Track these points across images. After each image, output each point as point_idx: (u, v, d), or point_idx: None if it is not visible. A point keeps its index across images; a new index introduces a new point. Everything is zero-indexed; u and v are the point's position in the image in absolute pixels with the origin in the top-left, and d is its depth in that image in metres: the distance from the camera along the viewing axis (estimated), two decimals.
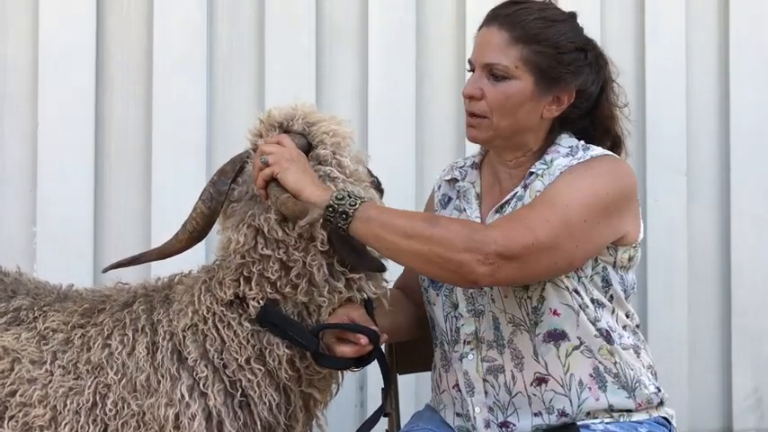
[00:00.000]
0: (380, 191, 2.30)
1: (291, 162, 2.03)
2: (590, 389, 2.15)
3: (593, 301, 2.17)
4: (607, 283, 2.19)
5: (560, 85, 2.20)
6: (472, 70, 2.25)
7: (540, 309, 2.14)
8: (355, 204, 2.00)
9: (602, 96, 2.29)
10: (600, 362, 2.16)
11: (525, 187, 2.21)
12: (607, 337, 2.17)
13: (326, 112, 2.18)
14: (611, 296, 2.20)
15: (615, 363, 2.17)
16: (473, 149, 2.47)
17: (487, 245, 1.97)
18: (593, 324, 2.16)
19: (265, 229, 2.05)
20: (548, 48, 2.18)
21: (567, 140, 2.26)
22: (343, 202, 2.00)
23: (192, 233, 2.12)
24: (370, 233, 2.01)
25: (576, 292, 2.15)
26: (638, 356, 2.22)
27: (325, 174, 2.07)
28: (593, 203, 2.09)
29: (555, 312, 2.14)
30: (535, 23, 2.19)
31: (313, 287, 2.07)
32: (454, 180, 2.40)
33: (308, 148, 2.10)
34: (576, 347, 2.15)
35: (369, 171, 2.26)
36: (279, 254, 2.05)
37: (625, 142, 2.36)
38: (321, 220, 2.01)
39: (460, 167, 2.42)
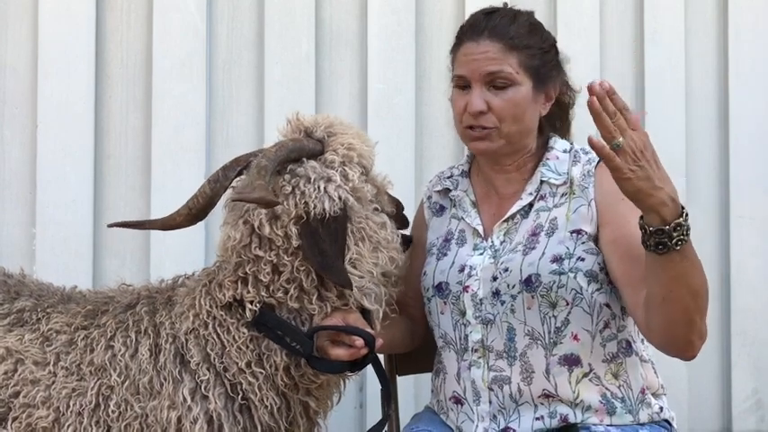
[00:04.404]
0: (405, 224, 2.33)
1: (638, 168, 1.83)
2: (597, 411, 2.16)
3: (623, 309, 2.19)
4: None
5: (549, 83, 2.28)
6: (463, 86, 2.26)
7: (563, 331, 2.15)
8: (680, 245, 1.86)
9: (564, 86, 2.36)
10: (606, 388, 2.17)
11: (542, 198, 2.24)
12: (624, 350, 2.19)
13: (354, 128, 2.19)
14: None
15: (619, 386, 2.18)
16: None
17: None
18: (604, 347, 2.17)
19: (256, 225, 2.05)
20: (535, 50, 2.25)
21: (559, 143, 2.31)
22: (675, 235, 1.85)
23: (191, 210, 2.07)
24: (670, 271, 1.90)
25: (608, 306, 2.17)
26: (655, 374, 2.26)
27: (326, 176, 2.06)
28: None
29: (575, 337, 2.15)
30: (519, 29, 2.25)
31: (303, 294, 2.07)
32: (446, 190, 2.42)
33: (318, 154, 2.11)
34: (586, 374, 2.16)
35: (398, 202, 2.28)
36: (270, 256, 2.06)
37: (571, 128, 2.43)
38: (642, 235, 1.89)
39: (449, 177, 2.44)
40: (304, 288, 2.07)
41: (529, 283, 2.15)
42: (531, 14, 2.33)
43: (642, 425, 2.19)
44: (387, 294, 2.18)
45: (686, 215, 1.87)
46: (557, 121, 2.38)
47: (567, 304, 2.14)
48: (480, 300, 2.21)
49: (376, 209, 2.16)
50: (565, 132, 2.40)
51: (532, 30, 2.28)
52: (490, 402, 2.21)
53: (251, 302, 2.07)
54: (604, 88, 1.82)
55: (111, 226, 2.19)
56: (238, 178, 2.12)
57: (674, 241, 1.85)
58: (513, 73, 2.21)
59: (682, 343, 2.01)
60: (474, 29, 2.27)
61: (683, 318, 1.96)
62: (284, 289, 2.07)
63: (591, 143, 1.83)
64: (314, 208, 2.03)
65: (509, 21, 2.26)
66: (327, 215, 2.04)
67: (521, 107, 2.22)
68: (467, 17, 3.23)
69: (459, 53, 2.28)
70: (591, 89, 1.82)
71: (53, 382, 2.09)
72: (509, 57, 2.21)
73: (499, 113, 2.21)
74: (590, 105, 1.82)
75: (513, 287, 2.16)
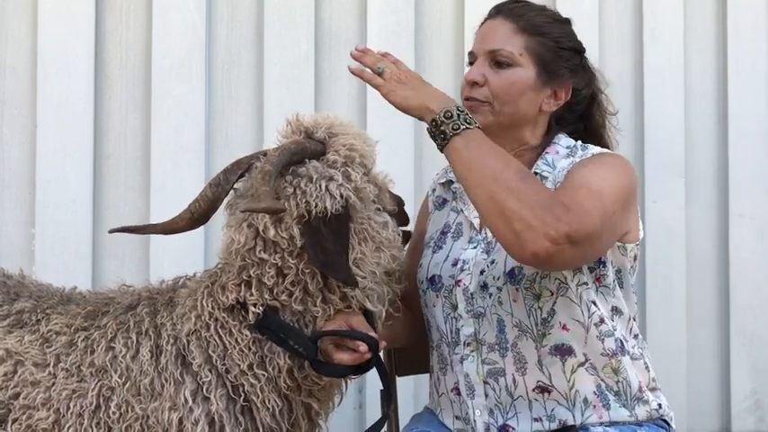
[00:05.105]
0: (406, 221, 2.31)
1: (399, 84, 2.08)
2: (594, 407, 2.16)
3: (613, 309, 2.19)
4: (621, 286, 2.22)
5: (558, 80, 2.27)
6: (472, 62, 2.30)
7: (550, 321, 2.15)
8: (458, 129, 2.00)
9: (593, 104, 2.37)
10: (603, 380, 2.17)
11: None
12: (619, 349, 2.17)
13: (355, 128, 2.18)
14: (625, 297, 2.23)
15: (618, 381, 2.17)
16: None
17: (563, 223, 1.91)
18: (602, 341, 2.16)
19: (261, 228, 2.04)
20: (550, 41, 2.26)
21: (564, 140, 2.31)
22: (449, 122, 2.01)
23: (194, 214, 2.07)
24: (459, 158, 2.02)
25: (594, 303, 2.16)
26: (647, 370, 2.24)
27: (328, 176, 2.05)
28: (617, 194, 2.10)
29: (564, 327, 2.15)
30: (539, 18, 2.28)
31: (308, 296, 2.06)
32: (449, 182, 2.42)
33: (320, 155, 2.09)
34: (582, 364, 2.16)
35: (399, 199, 2.27)
36: (275, 259, 2.05)
37: (612, 150, 2.40)
38: (429, 127, 2.05)
39: None
40: (308, 290, 2.06)
41: (513, 276, 2.15)
42: (561, 15, 2.35)
43: (640, 424, 2.19)
44: (390, 293, 2.17)
45: (459, 107, 2.04)
46: (582, 134, 2.36)
47: (552, 294, 2.14)
48: (471, 294, 2.21)
49: (378, 209, 2.15)
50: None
51: (554, 23, 2.30)
52: (486, 395, 2.21)
53: (254, 305, 2.06)
54: (381, 52, 2.17)
55: (111, 231, 2.19)
56: (240, 181, 2.11)
57: (450, 126, 2.01)
58: (514, 53, 2.23)
59: (509, 238, 1.94)
60: (494, 10, 2.32)
61: (492, 206, 1.95)
62: (288, 291, 2.06)
63: (350, 70, 2.16)
64: (315, 207, 2.02)
65: (532, 9, 2.30)
66: (329, 213, 2.02)
67: (516, 88, 2.23)
68: (466, 17, 3.29)
69: (477, 31, 2.33)
70: (356, 49, 2.17)
71: (53, 384, 2.07)
72: (516, 38, 2.24)
73: (493, 89, 2.23)
74: (352, 55, 2.16)
75: (498, 279, 2.17)
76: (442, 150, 2.04)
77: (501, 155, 2.01)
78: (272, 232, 2.04)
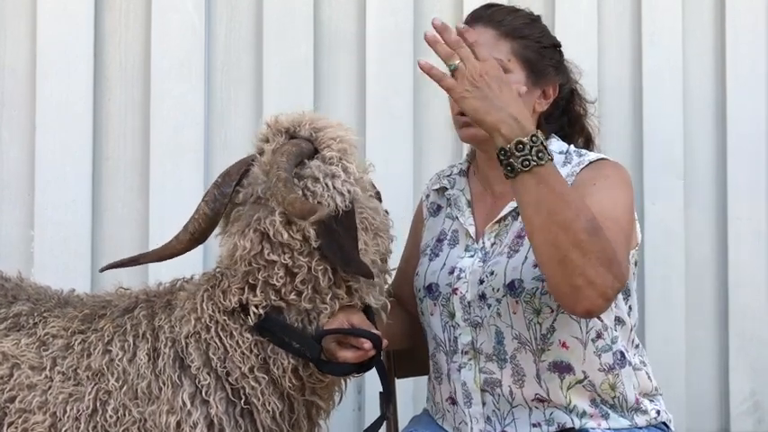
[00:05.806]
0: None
1: (473, 88, 1.88)
2: (591, 416, 2.16)
3: (616, 320, 2.19)
4: (627, 295, 2.22)
5: (546, 79, 2.28)
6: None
7: (550, 338, 2.14)
8: (528, 166, 1.85)
9: (573, 96, 2.39)
10: (599, 394, 2.17)
11: None
12: (618, 362, 2.17)
13: (333, 119, 2.15)
14: (630, 307, 2.23)
15: (614, 397, 2.17)
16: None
17: (617, 281, 1.90)
18: (599, 356, 2.15)
19: (271, 232, 2.01)
20: (532, 42, 2.26)
21: (556, 145, 2.30)
22: (519, 156, 1.85)
23: (194, 234, 2.07)
24: (527, 197, 1.89)
25: (598, 317, 2.13)
26: (649, 379, 2.24)
27: (331, 173, 2.04)
28: (630, 215, 2.12)
29: (564, 345, 2.14)
30: (517, 20, 2.28)
31: (317, 294, 2.04)
32: (443, 189, 2.41)
33: (313, 153, 2.08)
34: (580, 381, 2.15)
35: (371, 183, 2.26)
36: (284, 259, 2.02)
37: (595, 138, 2.43)
38: (497, 156, 1.89)
39: (447, 176, 2.43)
40: (318, 288, 2.03)
41: (512, 288, 2.14)
42: (535, 14, 2.35)
43: (640, 428, 2.19)
44: (385, 283, 2.17)
45: (534, 137, 1.87)
46: (566, 128, 2.38)
47: (552, 311, 2.13)
48: (468, 303, 2.20)
49: (370, 195, 2.15)
50: (575, 140, 2.38)
51: (531, 23, 2.30)
52: (483, 404, 2.21)
53: (256, 307, 2.05)
54: (461, 28, 1.93)
55: (102, 270, 2.19)
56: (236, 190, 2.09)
57: (520, 161, 1.86)
58: (502, 60, 2.20)
59: (566, 290, 1.90)
60: (472, 17, 2.30)
61: (554, 254, 1.88)
62: (297, 291, 2.03)
63: (419, 65, 1.93)
64: (328, 206, 2.00)
65: (507, 12, 2.29)
66: (340, 211, 2.02)
67: None
68: (465, 18, 3.27)
69: None
70: (433, 24, 1.91)
71: (50, 387, 2.06)
72: (501, 43, 2.23)
73: None
74: (425, 36, 1.92)
75: (498, 291, 2.16)
76: (507, 178, 1.92)
77: (572, 200, 1.89)
78: (285, 235, 2.01)
